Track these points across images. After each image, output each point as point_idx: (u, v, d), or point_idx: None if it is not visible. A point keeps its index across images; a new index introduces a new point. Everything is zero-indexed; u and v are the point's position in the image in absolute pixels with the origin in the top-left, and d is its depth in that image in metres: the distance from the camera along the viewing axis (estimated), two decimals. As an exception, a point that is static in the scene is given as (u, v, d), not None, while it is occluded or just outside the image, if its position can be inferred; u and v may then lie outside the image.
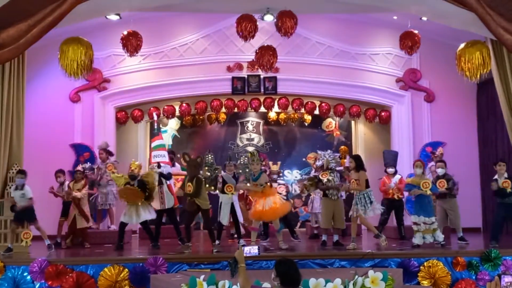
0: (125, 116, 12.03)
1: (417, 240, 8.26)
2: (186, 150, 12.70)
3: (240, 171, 8.99)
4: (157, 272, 7.02)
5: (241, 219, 9.15)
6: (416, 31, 9.63)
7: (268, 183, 8.60)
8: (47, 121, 11.13)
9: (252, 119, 13.13)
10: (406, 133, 11.83)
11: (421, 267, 7.27)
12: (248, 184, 8.53)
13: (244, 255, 4.39)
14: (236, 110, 12.21)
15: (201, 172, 8.57)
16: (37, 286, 7.12)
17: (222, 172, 9.11)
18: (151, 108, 11.80)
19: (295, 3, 8.84)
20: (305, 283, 6.14)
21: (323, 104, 12.20)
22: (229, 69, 11.71)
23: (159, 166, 9.20)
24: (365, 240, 9.99)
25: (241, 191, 9.77)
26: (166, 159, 9.71)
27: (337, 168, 9.01)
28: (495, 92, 9.12)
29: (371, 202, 8.27)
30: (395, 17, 10.89)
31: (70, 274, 7.05)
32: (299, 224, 11.96)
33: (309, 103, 12.15)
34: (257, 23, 9.09)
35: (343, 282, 6.31)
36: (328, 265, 7.26)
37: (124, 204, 8.90)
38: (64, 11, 7.64)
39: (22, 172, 8.40)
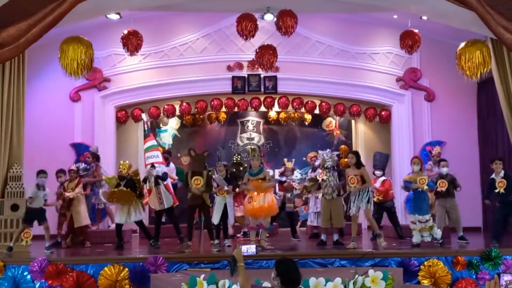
0: (125, 116, 12.03)
1: (415, 238, 8.27)
2: (187, 150, 12.75)
3: (234, 169, 8.96)
4: (157, 272, 7.01)
5: (232, 220, 9.09)
6: (416, 30, 9.63)
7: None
8: (47, 121, 11.14)
9: (252, 118, 13.13)
10: (406, 132, 11.82)
11: (421, 267, 7.26)
12: (265, 183, 8.39)
13: (242, 254, 4.39)
14: (236, 109, 12.22)
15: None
16: (37, 285, 7.11)
17: (215, 174, 9.07)
18: (151, 108, 11.80)
19: (295, 2, 8.85)
20: (305, 283, 6.14)
21: (323, 104, 12.19)
22: (229, 68, 11.72)
23: (153, 167, 9.17)
24: (365, 239, 9.99)
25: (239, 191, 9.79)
26: (160, 159, 9.71)
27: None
28: (495, 91, 9.12)
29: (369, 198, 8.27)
30: (395, 16, 10.88)
31: (70, 274, 7.04)
32: (299, 223, 11.95)
33: (309, 102, 12.14)
34: (257, 22, 9.09)
35: (343, 281, 6.31)
36: (328, 264, 7.25)
37: None
38: (64, 10, 7.65)
39: (44, 172, 8.49)
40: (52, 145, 11.01)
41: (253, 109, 12.33)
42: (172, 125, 12.88)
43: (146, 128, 10.74)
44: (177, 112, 12.25)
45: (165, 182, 9.20)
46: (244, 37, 9.09)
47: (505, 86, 8.77)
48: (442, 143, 11.58)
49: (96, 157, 10.26)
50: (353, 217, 8.32)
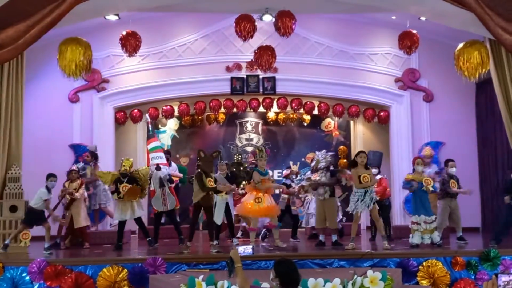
0: (124, 117, 12.00)
1: (415, 239, 8.26)
2: (186, 151, 12.80)
3: (234, 169, 9.01)
4: (156, 272, 7.01)
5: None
6: (415, 31, 9.62)
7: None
8: (46, 122, 11.13)
9: (251, 119, 13.13)
10: (405, 133, 11.81)
11: (420, 267, 7.27)
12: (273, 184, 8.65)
13: (239, 254, 4.39)
14: (235, 110, 12.21)
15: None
16: (36, 286, 7.11)
17: (216, 173, 9.11)
18: (149, 109, 11.80)
19: (293, 3, 8.85)
20: (304, 283, 6.14)
21: (322, 104, 12.19)
22: (228, 69, 11.71)
23: (158, 169, 9.20)
24: (364, 240, 9.98)
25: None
26: (164, 160, 9.73)
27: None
28: (494, 92, 9.12)
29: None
30: (394, 17, 10.89)
31: (69, 275, 7.04)
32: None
33: (308, 103, 12.14)
34: (256, 23, 9.09)
35: (342, 282, 6.31)
36: (327, 265, 7.26)
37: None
38: (63, 12, 7.65)
39: (54, 176, 8.59)
40: (50, 146, 11.01)
41: (252, 110, 12.32)
42: (170, 126, 12.87)
43: (150, 129, 10.76)
44: (176, 113, 12.25)
45: (170, 185, 9.27)
46: (243, 38, 9.08)
47: (504, 87, 8.77)
48: (441, 143, 11.60)
49: (94, 156, 10.26)
50: (354, 217, 8.29)
